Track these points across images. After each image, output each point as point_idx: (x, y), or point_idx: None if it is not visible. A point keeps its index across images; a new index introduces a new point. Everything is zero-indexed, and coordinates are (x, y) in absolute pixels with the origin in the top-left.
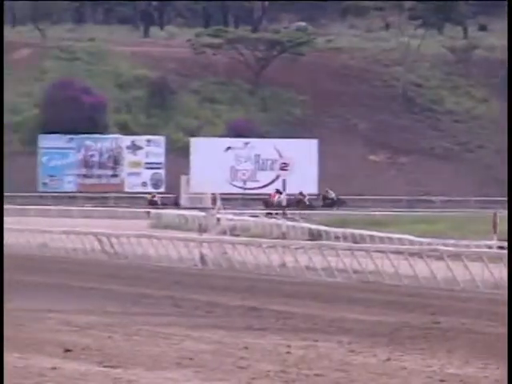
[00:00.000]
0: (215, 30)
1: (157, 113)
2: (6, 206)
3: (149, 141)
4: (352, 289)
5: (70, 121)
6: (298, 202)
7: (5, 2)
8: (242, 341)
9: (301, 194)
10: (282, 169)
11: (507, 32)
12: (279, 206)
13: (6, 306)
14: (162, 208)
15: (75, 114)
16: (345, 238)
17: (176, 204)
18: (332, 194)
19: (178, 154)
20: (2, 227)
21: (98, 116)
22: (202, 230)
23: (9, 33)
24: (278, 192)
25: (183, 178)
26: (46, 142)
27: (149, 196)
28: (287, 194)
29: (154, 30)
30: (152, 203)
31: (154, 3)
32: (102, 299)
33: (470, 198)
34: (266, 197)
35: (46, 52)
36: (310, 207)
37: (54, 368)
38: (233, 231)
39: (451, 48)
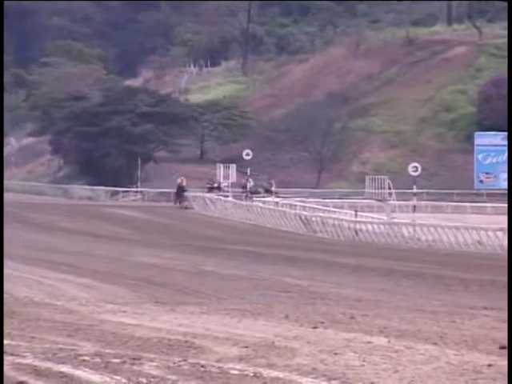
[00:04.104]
0: None
1: None
2: (442, 203)
3: None
4: None
5: (506, 118)
6: (266, 191)
7: (442, 2)
8: None
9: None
10: None
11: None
12: (251, 190)
13: (458, 301)
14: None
15: None
16: None
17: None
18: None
19: None
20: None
21: None
22: None
23: (445, 31)
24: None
25: None
26: (482, 139)
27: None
28: None
29: None
30: (212, 189)
31: None
32: None
33: None
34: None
35: (481, 50)
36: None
37: (490, 365)
38: None
39: None
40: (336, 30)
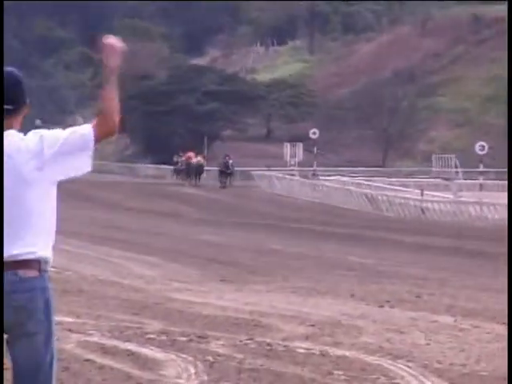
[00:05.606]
0: None
1: None
2: (498, 182)
3: None
4: None
5: None
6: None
7: None
8: None
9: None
10: None
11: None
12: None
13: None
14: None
15: None
16: None
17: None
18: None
19: None
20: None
21: None
22: None
23: None
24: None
25: None
26: None
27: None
28: None
29: None
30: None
31: None
32: None
33: None
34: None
35: None
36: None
37: None
38: None
39: None
40: (403, 8)
